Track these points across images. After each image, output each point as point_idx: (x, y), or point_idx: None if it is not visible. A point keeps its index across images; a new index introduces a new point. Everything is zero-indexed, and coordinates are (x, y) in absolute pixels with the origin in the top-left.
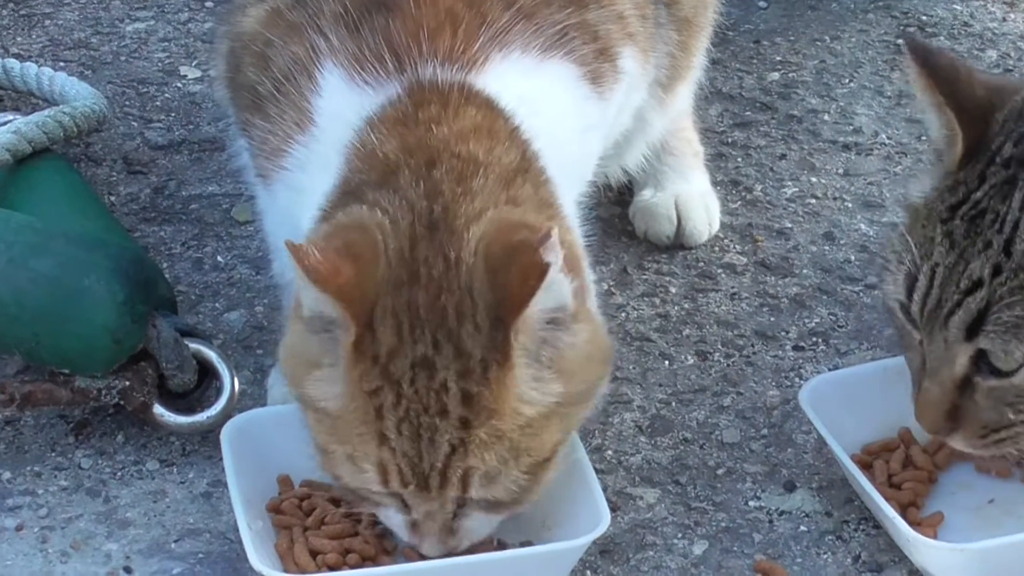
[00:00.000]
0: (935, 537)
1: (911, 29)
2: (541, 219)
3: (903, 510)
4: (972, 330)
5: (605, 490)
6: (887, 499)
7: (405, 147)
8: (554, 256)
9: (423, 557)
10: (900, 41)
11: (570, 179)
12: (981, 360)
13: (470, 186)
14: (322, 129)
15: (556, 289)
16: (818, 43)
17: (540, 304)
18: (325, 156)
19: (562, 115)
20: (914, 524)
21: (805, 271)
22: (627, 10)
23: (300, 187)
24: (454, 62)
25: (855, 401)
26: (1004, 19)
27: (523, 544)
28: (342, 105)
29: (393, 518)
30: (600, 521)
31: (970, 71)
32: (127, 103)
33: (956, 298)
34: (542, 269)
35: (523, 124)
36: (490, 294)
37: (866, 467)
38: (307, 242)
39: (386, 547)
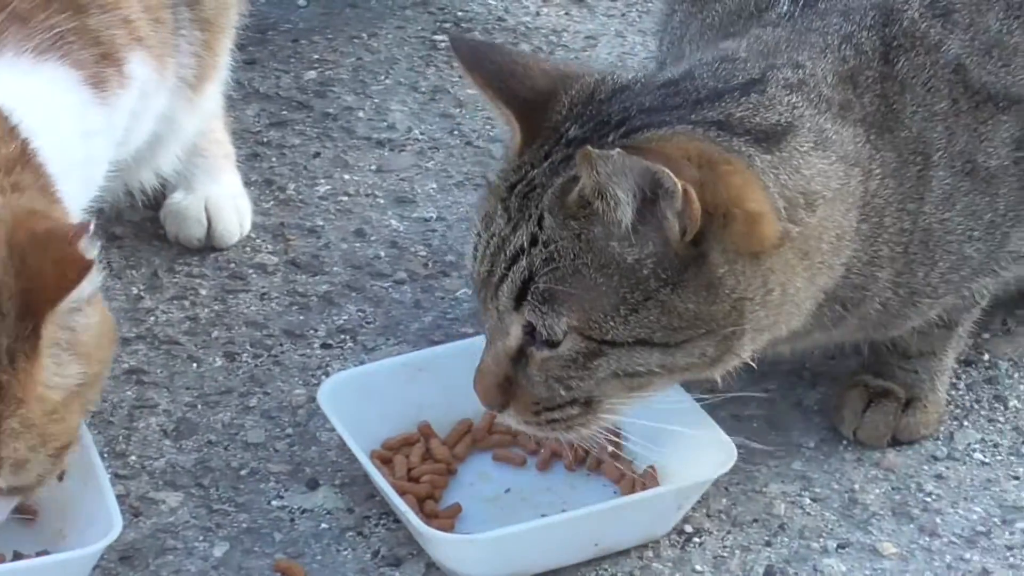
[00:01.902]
0: (453, 528)
1: (447, 25)
2: (46, 205)
3: (421, 503)
4: (519, 300)
5: (127, 496)
6: (403, 493)
7: None
8: (94, 251)
9: None
10: (436, 37)
11: (74, 184)
12: (534, 330)
13: None
14: None
15: (92, 282)
16: (356, 40)
17: (75, 297)
18: None
19: (60, 118)
20: (432, 516)
21: (335, 268)
22: (134, 14)
23: None
24: None
25: (375, 397)
26: (538, 13)
27: (39, 554)
28: None
29: None
30: (112, 528)
31: (533, 61)
32: None
33: (503, 267)
34: (84, 264)
35: (21, 123)
36: (16, 284)
37: (387, 462)
38: None
39: None
